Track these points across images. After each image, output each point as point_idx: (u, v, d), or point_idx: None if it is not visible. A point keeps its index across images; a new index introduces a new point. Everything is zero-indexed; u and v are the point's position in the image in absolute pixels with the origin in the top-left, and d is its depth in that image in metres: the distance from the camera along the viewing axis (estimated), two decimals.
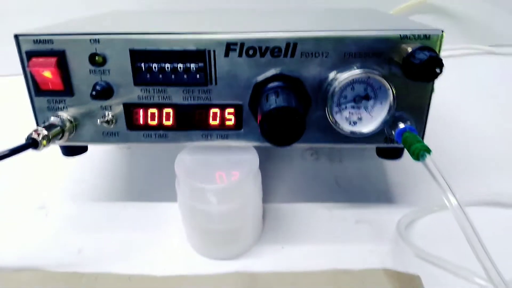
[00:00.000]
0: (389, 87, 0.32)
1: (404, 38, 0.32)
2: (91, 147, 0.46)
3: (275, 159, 0.41)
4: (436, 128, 0.45)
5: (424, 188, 0.44)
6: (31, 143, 0.32)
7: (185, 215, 0.37)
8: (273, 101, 0.29)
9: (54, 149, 0.51)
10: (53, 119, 0.34)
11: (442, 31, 0.32)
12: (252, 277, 0.36)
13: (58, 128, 0.34)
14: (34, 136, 0.32)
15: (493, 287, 0.27)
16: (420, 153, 0.30)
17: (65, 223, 0.42)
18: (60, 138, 0.34)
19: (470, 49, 0.70)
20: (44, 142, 0.32)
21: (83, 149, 0.39)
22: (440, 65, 0.29)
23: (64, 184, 0.47)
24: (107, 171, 0.48)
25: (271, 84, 0.32)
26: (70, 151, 0.39)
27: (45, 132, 0.32)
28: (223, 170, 0.35)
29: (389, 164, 0.48)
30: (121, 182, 0.47)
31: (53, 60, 0.33)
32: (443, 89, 0.37)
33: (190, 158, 0.36)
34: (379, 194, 0.45)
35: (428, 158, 0.30)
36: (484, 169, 0.48)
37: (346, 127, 0.34)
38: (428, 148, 0.30)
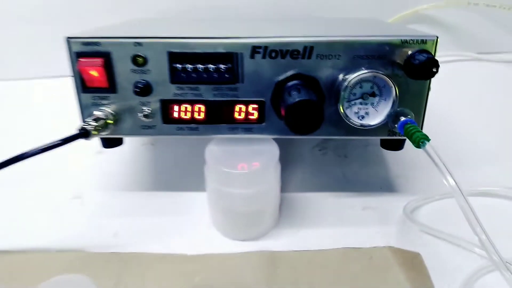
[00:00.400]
0: (393, 85, 0.38)
1: (405, 43, 0.37)
2: None
3: (288, 155, 0.46)
4: (429, 125, 0.50)
5: (423, 179, 0.49)
6: (83, 133, 0.36)
7: (212, 199, 0.42)
8: (296, 96, 0.34)
9: (83, 146, 0.56)
10: (98, 113, 0.39)
11: (437, 37, 0.37)
12: (273, 254, 0.41)
13: (103, 121, 0.38)
14: (86, 126, 0.36)
15: (486, 253, 0.32)
16: (421, 141, 0.35)
17: (100, 210, 0.47)
18: (104, 130, 0.39)
19: (459, 56, 0.76)
20: (95, 132, 0.37)
21: (119, 142, 0.43)
22: (436, 65, 0.34)
23: (94, 177, 0.51)
24: (134, 165, 0.53)
25: (291, 83, 0.37)
26: (108, 143, 0.43)
27: (94, 123, 0.37)
28: (247, 159, 0.40)
29: (390, 159, 0.53)
30: (148, 174, 0.51)
31: (99, 60, 0.37)
32: (435, 92, 0.42)
33: (218, 148, 0.41)
34: (382, 185, 0.50)
35: (428, 145, 0.35)
36: (472, 163, 0.53)
37: (356, 121, 0.39)
38: (427, 136, 0.35)
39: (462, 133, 0.59)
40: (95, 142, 0.56)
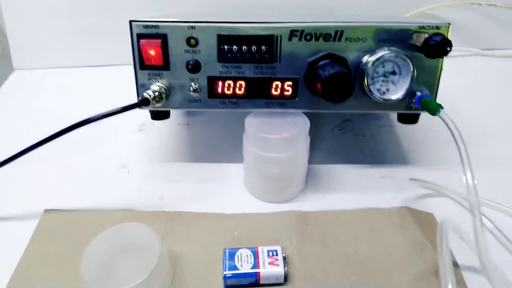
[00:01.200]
0: (411, 65, 0.43)
1: (422, 28, 0.43)
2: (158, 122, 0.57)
3: (311, 133, 0.51)
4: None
5: (432, 153, 0.55)
6: (144, 102, 0.42)
7: (249, 163, 0.47)
8: (331, 69, 0.40)
9: (124, 125, 0.61)
10: (153, 87, 0.44)
11: (449, 24, 0.43)
12: (302, 214, 0.46)
13: (158, 94, 0.44)
14: (146, 96, 0.42)
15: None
16: (436, 109, 0.41)
17: (145, 177, 0.52)
18: (158, 102, 0.45)
19: (464, 52, 0.83)
20: (154, 101, 0.43)
21: (167, 115, 0.49)
22: (450, 45, 0.40)
23: (137, 151, 0.57)
24: (172, 141, 0.58)
25: (322, 61, 0.43)
26: (157, 115, 0.49)
27: (152, 94, 0.43)
28: (282, 128, 0.45)
29: (403, 137, 0.59)
30: (185, 149, 0.57)
31: (158, 41, 0.43)
32: (441, 84, 0.48)
33: (256, 119, 0.46)
34: (397, 158, 0.55)
35: (442, 112, 0.40)
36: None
37: (378, 96, 0.45)
38: (441, 105, 0.41)
39: (467, 120, 0.64)
40: (135, 120, 0.62)
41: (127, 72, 0.67)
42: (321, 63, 0.43)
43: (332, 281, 0.40)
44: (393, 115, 0.63)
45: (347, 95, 0.40)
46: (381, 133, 0.60)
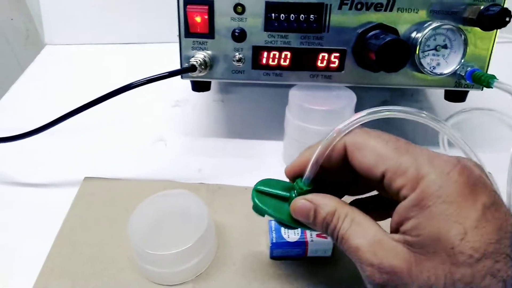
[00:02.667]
0: (463, 38, 0.42)
1: (476, 0, 0.42)
2: (193, 97, 0.57)
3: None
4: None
5: (472, 136, 0.54)
6: (191, 68, 0.41)
7: (290, 135, 0.46)
8: (385, 37, 0.39)
9: (160, 100, 0.61)
10: (197, 56, 0.44)
11: None
12: None
13: (203, 62, 0.43)
14: (193, 62, 0.42)
15: None
16: (489, 80, 0.39)
17: (183, 150, 0.52)
18: (203, 71, 0.44)
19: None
20: (200, 68, 0.42)
21: (208, 87, 0.48)
22: (509, 15, 0.38)
23: (173, 125, 0.56)
24: (207, 117, 0.57)
25: (373, 32, 0.42)
26: (199, 86, 0.48)
27: (199, 61, 0.42)
28: (327, 100, 0.44)
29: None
30: (221, 125, 0.56)
31: (205, 7, 0.42)
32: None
33: (300, 91, 0.45)
34: (436, 140, 0.54)
35: (497, 82, 0.39)
36: None
37: (429, 70, 0.43)
38: (494, 75, 0.39)
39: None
40: (170, 96, 0.61)
41: (160, 50, 0.68)
42: (372, 33, 0.42)
43: None
44: (434, 98, 0.62)
45: (403, 63, 0.39)
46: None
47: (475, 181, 0.24)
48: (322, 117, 0.43)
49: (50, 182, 0.47)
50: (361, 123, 0.28)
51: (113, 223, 0.41)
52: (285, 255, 0.38)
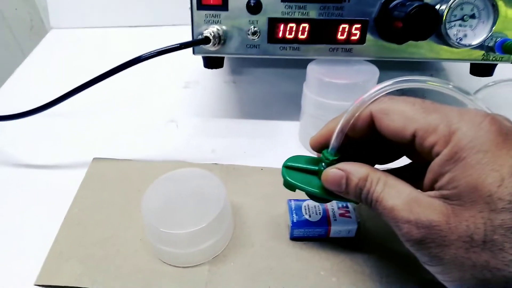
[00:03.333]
0: (492, 7, 0.40)
1: None
2: (203, 78, 0.54)
3: None
4: None
5: None
6: (204, 40, 0.39)
7: (308, 112, 0.44)
8: (412, 3, 0.36)
9: (170, 81, 0.59)
10: (210, 29, 0.41)
11: None
12: None
13: (216, 34, 0.41)
14: (207, 34, 0.39)
15: None
16: None
17: (195, 131, 0.50)
18: (216, 45, 0.41)
19: None
20: (214, 41, 0.40)
21: (220, 64, 0.46)
22: None
23: (184, 106, 0.54)
24: (219, 98, 0.55)
25: (397, 0, 0.40)
26: (211, 63, 0.46)
27: (213, 33, 0.40)
28: (348, 74, 0.42)
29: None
30: (234, 106, 0.54)
31: None
32: None
33: (319, 66, 0.43)
34: None
35: None
36: None
37: (456, 41, 0.41)
38: None
39: None
40: (180, 78, 0.59)
41: (171, 33, 0.65)
42: (396, 1, 0.39)
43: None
44: (456, 77, 0.59)
45: (432, 31, 0.36)
46: (442, 95, 0.56)
47: (507, 131, 0.24)
48: (342, 91, 0.41)
49: (59, 164, 0.45)
50: (386, 92, 0.28)
51: (124, 204, 0.40)
52: (306, 236, 0.36)
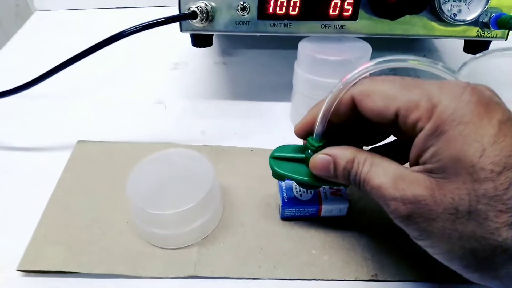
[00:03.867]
0: None
1: None
2: (192, 60, 0.53)
3: None
4: None
5: None
6: (191, 14, 0.38)
7: (300, 91, 0.43)
8: None
9: (158, 62, 0.57)
10: (198, 4, 0.40)
11: None
12: None
13: (204, 9, 0.40)
14: (194, 8, 0.38)
15: None
16: None
17: (184, 112, 0.48)
18: (203, 21, 0.40)
19: None
20: (202, 16, 0.38)
21: (209, 42, 0.45)
22: None
23: (172, 87, 0.52)
24: (209, 79, 0.54)
25: None
26: (199, 41, 0.44)
27: (200, 9, 0.38)
28: (340, 51, 0.41)
29: None
30: (223, 87, 0.52)
31: None
32: None
33: (311, 43, 0.42)
34: None
35: None
36: None
37: (450, 17, 0.40)
38: None
39: None
40: (168, 59, 0.58)
41: (158, 15, 0.64)
42: None
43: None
44: (449, 58, 0.58)
45: (425, 3, 0.35)
46: (434, 75, 0.55)
47: (488, 100, 0.24)
48: (335, 68, 0.40)
49: (43, 146, 0.44)
50: (368, 73, 0.27)
51: (110, 186, 0.38)
52: (297, 216, 0.35)
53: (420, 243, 0.26)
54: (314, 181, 0.31)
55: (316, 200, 0.35)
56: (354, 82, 0.27)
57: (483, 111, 0.23)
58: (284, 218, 0.36)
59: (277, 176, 0.32)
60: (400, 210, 0.24)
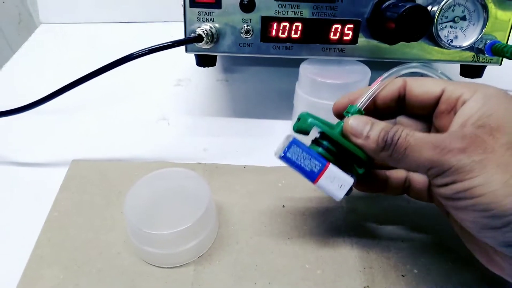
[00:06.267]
0: (483, 10, 0.40)
1: None
2: (195, 76, 0.54)
3: None
4: None
5: None
6: (197, 38, 0.39)
7: (300, 110, 0.43)
8: (405, 5, 0.36)
9: (161, 79, 0.58)
10: (203, 27, 0.41)
11: None
12: None
13: (209, 32, 0.41)
14: (200, 32, 0.39)
15: None
16: None
17: (187, 130, 0.49)
18: (209, 44, 0.41)
19: None
20: (207, 39, 0.39)
21: (213, 62, 0.46)
22: None
23: (176, 104, 0.54)
24: (212, 97, 0.55)
25: (390, 1, 0.40)
26: (203, 61, 0.45)
27: (206, 31, 0.40)
28: (340, 74, 0.42)
29: None
30: (226, 104, 0.54)
31: None
32: None
33: (312, 65, 0.43)
34: None
35: None
36: None
37: (447, 43, 0.41)
38: None
39: None
40: (172, 76, 0.59)
41: (164, 30, 0.65)
42: (388, 2, 0.39)
43: None
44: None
45: (424, 32, 0.37)
46: None
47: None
48: (334, 91, 0.41)
49: (44, 162, 0.44)
50: (413, 69, 0.32)
51: (106, 206, 0.39)
52: (296, 163, 0.30)
53: (468, 183, 0.24)
54: (344, 141, 0.29)
55: (324, 160, 0.30)
56: (406, 71, 0.31)
57: (509, 102, 0.26)
58: (284, 157, 0.30)
59: (305, 124, 0.30)
60: (456, 143, 0.25)
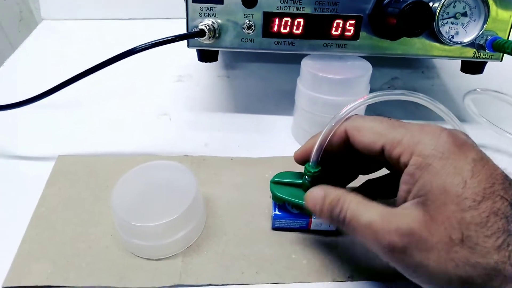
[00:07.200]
0: (484, 6, 0.40)
1: None
2: (196, 72, 0.54)
3: None
4: None
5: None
6: (199, 33, 0.39)
7: (302, 107, 0.44)
8: (406, 1, 0.37)
9: (163, 74, 0.59)
10: (205, 22, 0.41)
11: None
12: None
13: (211, 27, 0.41)
14: (202, 27, 0.39)
15: None
16: None
17: (188, 125, 0.49)
18: (211, 39, 0.41)
19: None
20: (209, 34, 0.39)
21: (215, 57, 0.46)
22: None
23: (177, 100, 0.54)
24: (213, 92, 0.55)
25: None
26: (205, 56, 0.46)
27: (208, 27, 0.40)
28: (341, 70, 0.42)
29: (456, 97, 0.56)
30: (227, 100, 0.54)
31: None
32: None
33: (313, 61, 0.43)
34: None
35: None
36: None
37: (448, 39, 0.41)
38: None
39: None
40: (172, 72, 0.59)
41: (166, 27, 0.65)
42: None
43: None
44: (446, 74, 0.60)
45: (425, 27, 0.37)
46: (433, 91, 0.57)
47: (462, 142, 0.27)
48: (336, 86, 0.41)
49: (42, 156, 0.44)
50: (360, 106, 0.32)
51: (93, 200, 0.39)
52: (287, 227, 0.37)
53: (416, 279, 0.26)
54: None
55: (306, 214, 0.36)
56: (347, 116, 0.31)
57: (458, 151, 0.26)
58: (275, 228, 0.37)
59: (277, 199, 0.35)
60: (395, 242, 0.25)
